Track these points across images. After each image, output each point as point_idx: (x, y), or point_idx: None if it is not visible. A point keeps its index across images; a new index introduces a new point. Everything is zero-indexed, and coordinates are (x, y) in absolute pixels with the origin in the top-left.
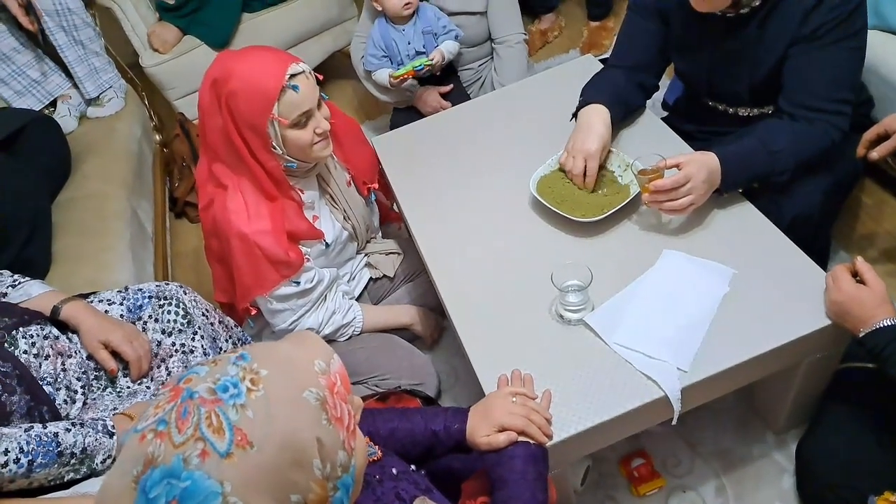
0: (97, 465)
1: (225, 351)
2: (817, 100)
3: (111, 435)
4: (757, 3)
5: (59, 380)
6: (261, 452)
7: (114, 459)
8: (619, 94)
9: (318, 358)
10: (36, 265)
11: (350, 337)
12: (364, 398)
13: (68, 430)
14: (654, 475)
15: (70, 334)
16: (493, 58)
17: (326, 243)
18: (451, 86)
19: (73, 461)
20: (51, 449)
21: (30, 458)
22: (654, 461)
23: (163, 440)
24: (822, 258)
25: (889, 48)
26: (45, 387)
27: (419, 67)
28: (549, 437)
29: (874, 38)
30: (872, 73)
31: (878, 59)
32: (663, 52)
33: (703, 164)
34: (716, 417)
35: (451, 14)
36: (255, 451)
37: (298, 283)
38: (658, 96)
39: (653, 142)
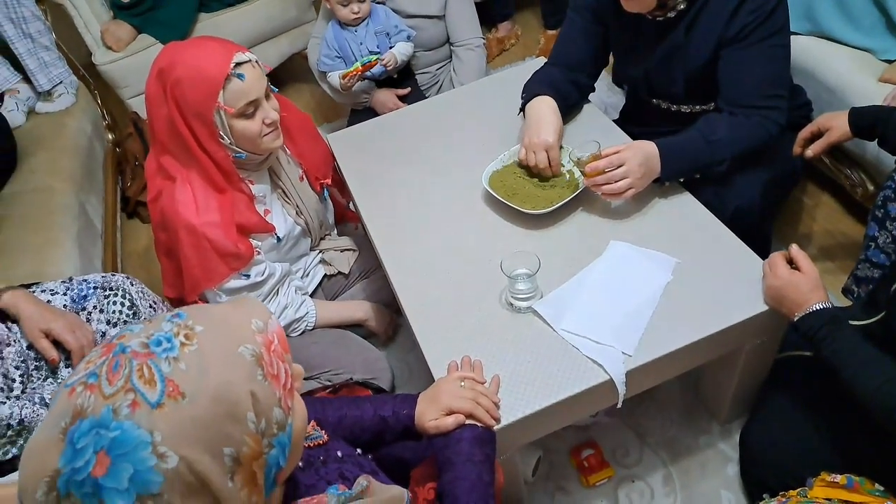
0: None
1: None
2: (750, 97)
3: (48, 407)
4: (682, 7)
5: None
6: (193, 404)
7: None
8: (558, 90)
9: (255, 317)
10: None
11: (303, 332)
12: (315, 391)
13: (3, 403)
14: (603, 465)
15: (9, 324)
16: (451, 61)
17: (278, 237)
18: (409, 88)
19: (9, 433)
20: None
21: None
22: (604, 452)
23: (93, 392)
24: (762, 253)
25: (823, 53)
26: None
27: (367, 61)
28: (497, 420)
29: (809, 44)
30: (809, 77)
31: (813, 64)
32: (600, 52)
33: (640, 149)
34: (663, 409)
35: (407, 17)
36: (186, 403)
37: (248, 276)
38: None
39: (598, 136)
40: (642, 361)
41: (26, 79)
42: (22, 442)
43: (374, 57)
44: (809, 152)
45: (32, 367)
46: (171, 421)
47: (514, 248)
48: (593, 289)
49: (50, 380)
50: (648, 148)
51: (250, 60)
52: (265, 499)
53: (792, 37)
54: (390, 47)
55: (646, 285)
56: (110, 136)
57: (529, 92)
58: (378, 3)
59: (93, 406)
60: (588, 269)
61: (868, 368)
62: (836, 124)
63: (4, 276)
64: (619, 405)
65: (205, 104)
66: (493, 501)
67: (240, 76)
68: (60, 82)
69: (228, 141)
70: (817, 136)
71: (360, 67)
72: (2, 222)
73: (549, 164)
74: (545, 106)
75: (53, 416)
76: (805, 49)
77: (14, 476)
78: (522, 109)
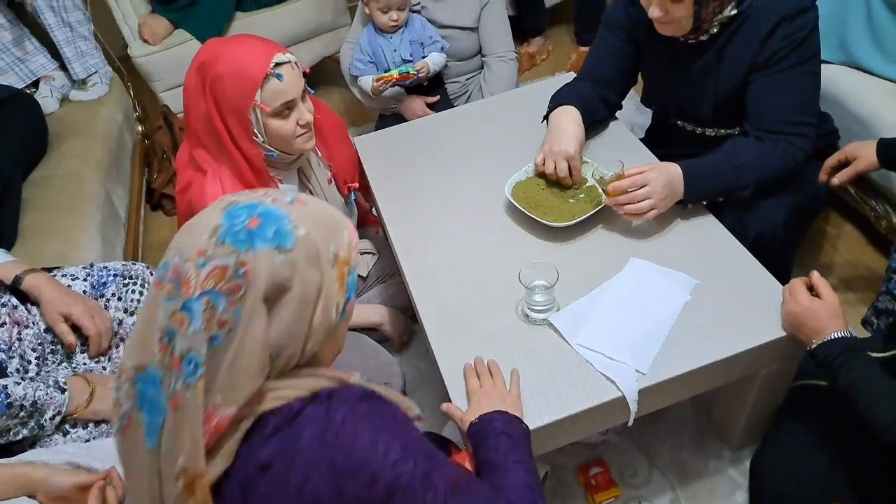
0: (46, 420)
1: None
2: (778, 123)
3: (63, 390)
4: (715, 31)
5: (13, 348)
6: (314, 209)
7: (63, 417)
8: (585, 103)
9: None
10: (1, 238)
11: None
12: None
13: (18, 384)
14: (610, 484)
15: (29, 306)
16: (480, 72)
17: None
18: (438, 97)
19: (21, 413)
20: (0, 400)
21: None
22: (612, 471)
23: (241, 196)
24: (783, 280)
25: (855, 83)
26: None
27: (403, 71)
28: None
29: (840, 74)
30: (838, 107)
31: (844, 94)
32: (629, 71)
33: (664, 170)
34: (674, 431)
35: (441, 27)
36: (308, 207)
37: None
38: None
39: (625, 155)
40: (656, 380)
41: (62, 66)
42: (33, 423)
43: (412, 70)
44: (835, 181)
45: (48, 350)
46: (301, 212)
47: (533, 259)
48: (610, 305)
49: (64, 364)
50: (672, 170)
51: (290, 61)
52: (340, 318)
53: (823, 65)
54: (423, 57)
55: (664, 304)
56: (140, 128)
57: (556, 101)
58: (415, 12)
59: (245, 199)
60: (606, 284)
61: (884, 400)
62: (863, 154)
63: (30, 257)
64: (630, 424)
65: (242, 101)
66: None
67: (278, 76)
68: (95, 72)
69: (262, 139)
70: (844, 164)
71: (396, 76)
72: (30, 205)
73: (571, 173)
74: (569, 116)
75: (212, 206)
76: (837, 78)
77: (25, 455)
78: (546, 118)
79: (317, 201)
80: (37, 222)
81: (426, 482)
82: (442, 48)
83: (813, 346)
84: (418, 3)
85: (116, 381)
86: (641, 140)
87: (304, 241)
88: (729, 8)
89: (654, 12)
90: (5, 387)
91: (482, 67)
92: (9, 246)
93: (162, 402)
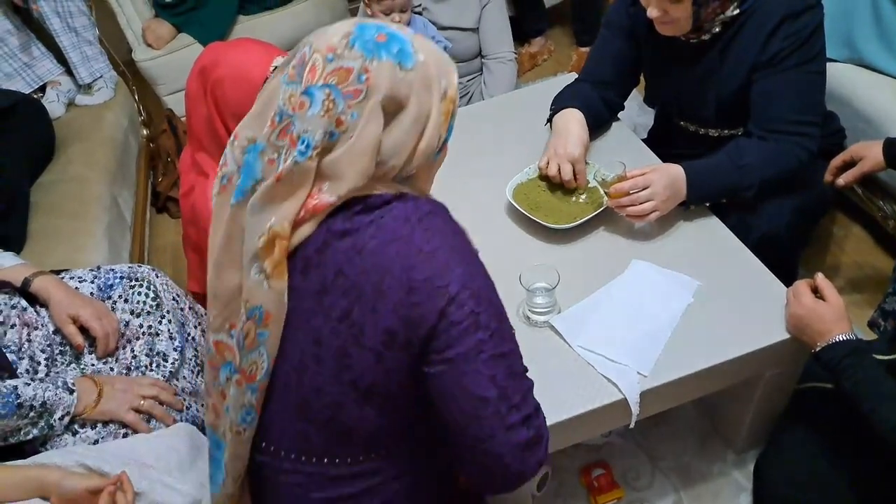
0: (55, 420)
1: (193, 337)
2: (783, 123)
3: (71, 391)
4: (718, 30)
5: (23, 349)
6: (430, 46)
7: (72, 417)
8: (588, 105)
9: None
10: (10, 242)
11: None
12: None
13: (28, 384)
14: (613, 486)
15: (38, 308)
16: (481, 73)
17: None
18: None
19: (31, 414)
20: (10, 400)
21: None
22: (614, 473)
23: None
24: (788, 282)
25: (861, 82)
26: (8, 355)
27: None
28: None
29: (847, 72)
30: (845, 106)
31: (850, 92)
32: (631, 72)
33: (666, 172)
34: (677, 434)
35: (442, 28)
36: (426, 41)
37: None
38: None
39: (627, 157)
40: (658, 383)
41: (68, 71)
42: (43, 423)
43: None
44: (841, 181)
45: (57, 351)
46: (420, 42)
47: (534, 261)
48: (612, 306)
49: (73, 365)
50: (675, 171)
51: None
52: (437, 152)
53: (829, 63)
54: None
55: (666, 306)
56: (145, 132)
57: (559, 104)
58: (416, 13)
59: (372, 21)
60: (608, 286)
61: (889, 403)
62: (869, 154)
63: (37, 261)
64: (632, 426)
65: (243, 105)
66: None
67: None
68: (101, 76)
69: None
70: (850, 164)
71: None
72: (37, 209)
73: (575, 177)
74: (573, 119)
75: (343, 21)
76: (843, 76)
77: (38, 457)
78: (550, 120)
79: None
80: (45, 226)
81: (480, 326)
82: (445, 48)
83: (818, 349)
84: (419, 5)
85: (230, 146)
86: (644, 140)
87: (423, 66)
88: (731, 8)
89: (652, 12)
90: (15, 387)
91: (483, 69)
92: (18, 250)
93: (257, 170)
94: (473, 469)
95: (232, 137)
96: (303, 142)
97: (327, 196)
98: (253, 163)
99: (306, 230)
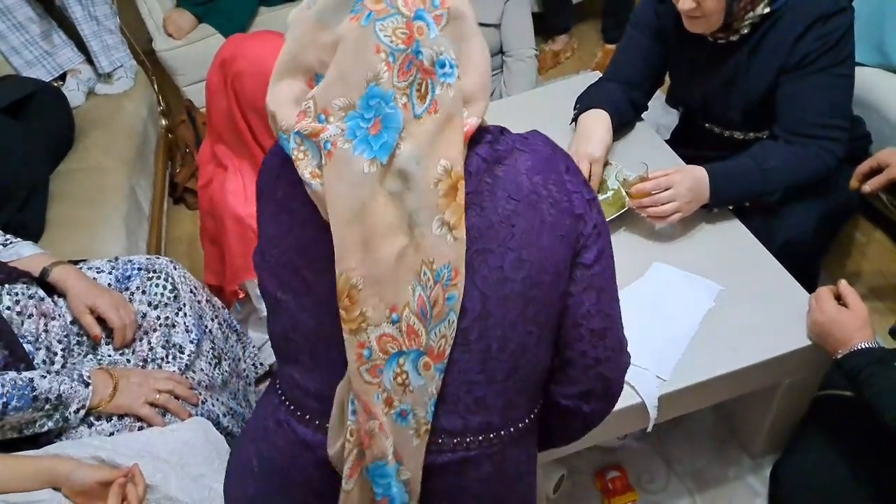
0: (70, 413)
1: (209, 330)
2: (809, 126)
3: (87, 384)
4: (746, 31)
5: (40, 339)
6: None
7: (88, 410)
8: (615, 105)
9: None
10: (29, 230)
11: None
12: None
13: (44, 377)
14: (627, 489)
15: (56, 298)
16: (502, 70)
17: None
18: None
19: (47, 406)
20: (26, 393)
21: (4, 399)
22: (629, 476)
23: None
24: (809, 288)
25: (890, 87)
26: (25, 345)
27: None
28: None
29: (876, 76)
30: (872, 111)
31: (878, 97)
32: (657, 72)
33: (689, 173)
34: (694, 437)
35: None
36: None
37: None
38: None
39: (650, 157)
40: (676, 387)
41: (89, 60)
42: (58, 416)
43: None
44: (867, 187)
45: (74, 342)
46: None
47: None
48: (633, 309)
49: (90, 356)
50: (698, 173)
51: None
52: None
53: (858, 68)
54: None
55: (687, 310)
56: (164, 122)
57: (585, 103)
58: None
59: None
60: (629, 289)
61: None
62: None
63: (56, 249)
64: (649, 429)
65: (262, 98)
66: None
67: None
68: (121, 66)
69: None
70: (876, 171)
71: None
72: (56, 197)
73: (590, 177)
74: (599, 120)
75: None
76: (872, 81)
77: (51, 448)
78: (575, 120)
79: None
80: (63, 215)
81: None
82: None
83: (839, 357)
84: None
85: (319, 119)
86: (667, 141)
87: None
88: (762, 6)
89: (685, 4)
90: (31, 380)
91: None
92: (36, 238)
93: (398, 119)
94: (577, 402)
95: (321, 114)
96: (441, 64)
97: (471, 119)
98: (390, 113)
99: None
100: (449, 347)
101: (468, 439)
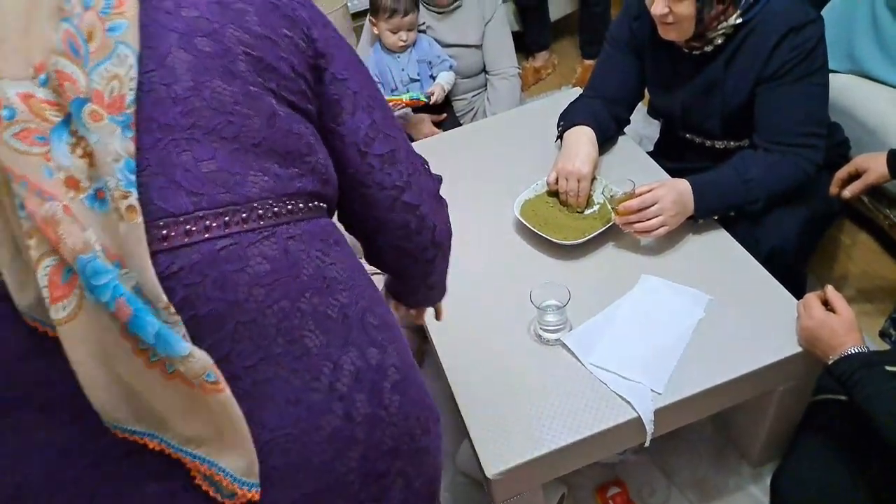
0: None
1: None
2: (787, 135)
3: None
4: (720, 42)
5: None
6: None
7: None
8: (597, 120)
9: None
10: None
11: None
12: None
13: None
14: None
15: None
16: (486, 89)
17: None
18: (445, 115)
19: None
20: None
21: None
22: (630, 491)
23: None
24: (797, 293)
25: (863, 92)
26: None
27: (414, 97)
28: None
29: (849, 83)
30: (848, 117)
31: (852, 103)
32: (637, 87)
33: (672, 187)
34: (692, 449)
35: (446, 46)
36: None
37: None
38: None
39: (634, 171)
40: (672, 400)
41: None
42: None
43: (423, 97)
44: (847, 193)
45: None
46: None
47: (544, 278)
48: (623, 323)
49: None
50: (681, 186)
51: None
52: None
53: (832, 75)
54: (430, 76)
55: (677, 322)
56: None
57: (568, 120)
58: (421, 32)
59: None
60: (619, 302)
61: None
62: (873, 166)
63: None
64: (647, 444)
65: None
66: None
67: None
68: None
69: None
70: (854, 176)
71: (406, 101)
72: None
73: (578, 193)
74: (583, 136)
75: None
76: (845, 88)
77: None
78: (560, 137)
79: None
80: None
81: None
82: (451, 66)
83: (829, 362)
84: (423, 23)
85: None
86: (650, 153)
87: None
88: (734, 16)
89: (657, 8)
90: None
91: (486, 85)
92: None
93: None
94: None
95: None
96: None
97: None
98: None
99: None
100: (130, 93)
101: (207, 223)
